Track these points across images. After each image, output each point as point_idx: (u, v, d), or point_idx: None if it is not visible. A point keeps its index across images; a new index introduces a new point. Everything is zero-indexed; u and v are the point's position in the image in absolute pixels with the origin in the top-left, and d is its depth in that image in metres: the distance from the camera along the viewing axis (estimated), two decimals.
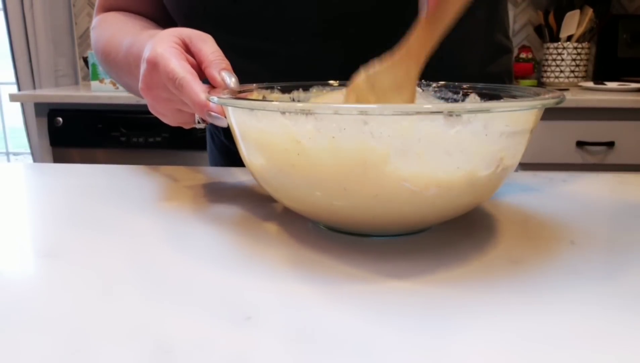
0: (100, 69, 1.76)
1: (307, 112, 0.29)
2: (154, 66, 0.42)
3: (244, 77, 0.44)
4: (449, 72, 0.49)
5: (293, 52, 0.54)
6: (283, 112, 0.31)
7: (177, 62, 0.41)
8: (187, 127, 0.48)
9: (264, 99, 0.45)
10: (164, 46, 0.43)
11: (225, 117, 0.39)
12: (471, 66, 0.61)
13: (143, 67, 0.44)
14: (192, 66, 0.43)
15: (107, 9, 0.64)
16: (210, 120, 0.41)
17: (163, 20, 0.62)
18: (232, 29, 0.54)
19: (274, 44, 0.54)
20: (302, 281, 0.30)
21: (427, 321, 0.26)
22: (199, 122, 0.46)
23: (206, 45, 0.44)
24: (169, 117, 0.47)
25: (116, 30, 0.57)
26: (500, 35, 0.65)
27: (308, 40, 0.53)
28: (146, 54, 0.43)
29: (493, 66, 0.64)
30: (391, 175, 0.30)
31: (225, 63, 0.43)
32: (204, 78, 0.44)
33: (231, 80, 0.42)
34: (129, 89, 0.59)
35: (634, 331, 0.25)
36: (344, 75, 0.42)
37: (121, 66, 0.54)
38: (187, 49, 0.44)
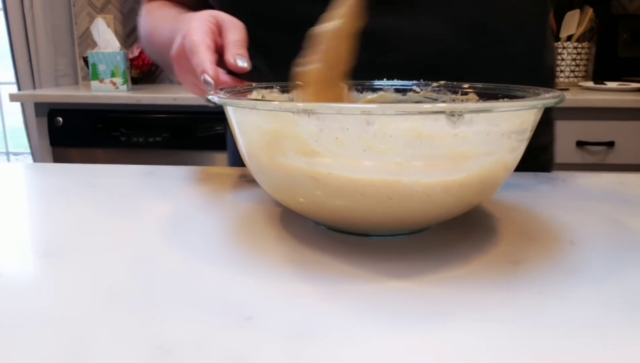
0: (100, 69, 1.76)
1: (309, 112, 0.29)
2: (184, 37, 0.45)
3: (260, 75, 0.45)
4: (497, 63, 0.47)
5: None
6: (284, 112, 0.31)
7: (200, 37, 0.44)
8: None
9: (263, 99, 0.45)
10: (199, 22, 0.45)
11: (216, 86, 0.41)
12: (522, 54, 0.58)
13: (178, 39, 0.46)
14: (218, 47, 0.45)
15: None
16: (204, 86, 0.42)
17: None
18: (268, 20, 0.55)
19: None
20: (302, 280, 0.30)
21: (428, 321, 0.26)
22: (207, 100, 0.47)
23: (232, 32, 0.46)
24: (188, 87, 0.50)
25: (161, 17, 0.62)
26: (547, 26, 0.61)
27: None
28: (184, 27, 0.46)
29: (544, 57, 0.60)
30: (394, 176, 0.30)
31: (242, 50, 0.44)
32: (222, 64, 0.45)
33: (244, 63, 0.43)
34: (169, 70, 0.62)
35: (634, 331, 0.25)
36: (361, 70, 0.43)
37: (163, 45, 0.58)
38: (220, 32, 0.46)
